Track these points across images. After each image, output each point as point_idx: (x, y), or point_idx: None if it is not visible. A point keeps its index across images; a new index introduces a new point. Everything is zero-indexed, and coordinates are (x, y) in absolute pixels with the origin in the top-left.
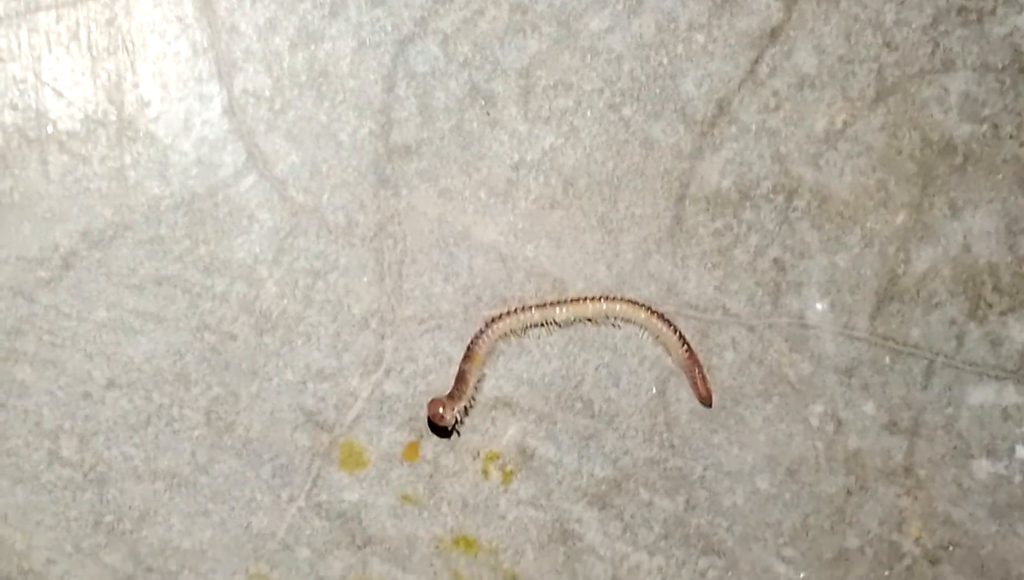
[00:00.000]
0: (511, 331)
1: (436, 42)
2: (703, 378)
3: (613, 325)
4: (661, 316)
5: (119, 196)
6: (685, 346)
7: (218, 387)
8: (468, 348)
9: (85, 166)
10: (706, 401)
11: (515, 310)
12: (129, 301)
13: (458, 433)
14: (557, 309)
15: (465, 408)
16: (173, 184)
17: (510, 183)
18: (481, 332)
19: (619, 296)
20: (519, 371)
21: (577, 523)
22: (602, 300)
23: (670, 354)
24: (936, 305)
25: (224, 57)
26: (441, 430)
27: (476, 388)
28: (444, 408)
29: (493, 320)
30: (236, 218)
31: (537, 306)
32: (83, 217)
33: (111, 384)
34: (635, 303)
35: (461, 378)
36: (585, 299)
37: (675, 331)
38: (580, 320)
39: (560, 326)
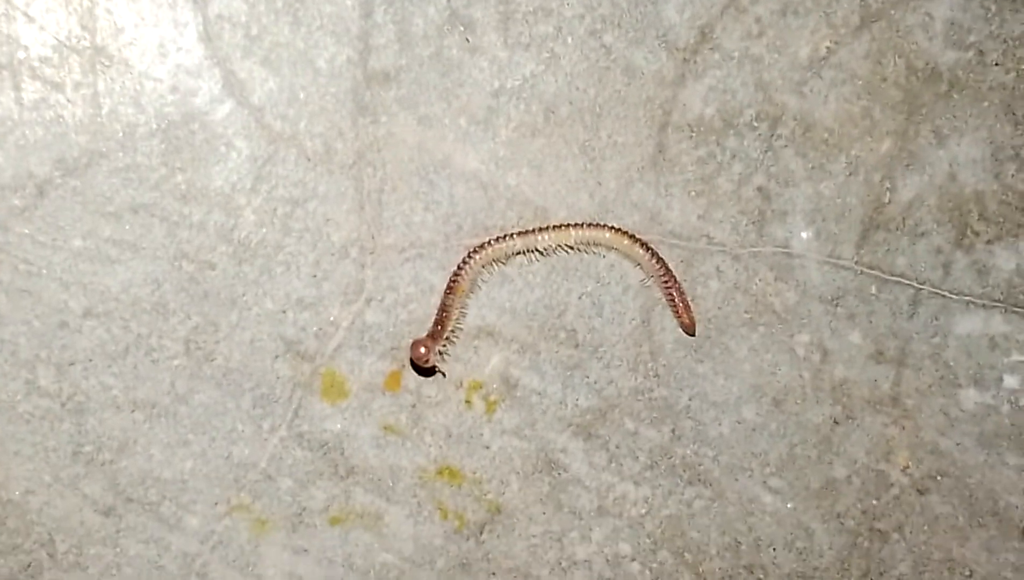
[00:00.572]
0: (493, 260)
1: None
2: (686, 306)
3: (596, 253)
4: (643, 243)
5: (93, 124)
6: (667, 274)
7: (197, 317)
8: (450, 281)
9: (58, 93)
10: (689, 330)
11: (495, 239)
12: (105, 230)
13: (442, 373)
14: (539, 236)
15: (446, 340)
16: (148, 111)
17: (490, 111)
18: (463, 264)
19: (602, 223)
20: (502, 300)
21: (562, 453)
22: (585, 227)
23: (653, 283)
24: (922, 234)
25: None
26: (425, 370)
27: (457, 320)
28: (427, 349)
29: (474, 251)
30: (213, 146)
31: (519, 233)
32: (57, 145)
33: (88, 313)
34: (618, 230)
35: (443, 313)
36: (568, 226)
37: (657, 259)
38: (563, 247)
39: (543, 254)
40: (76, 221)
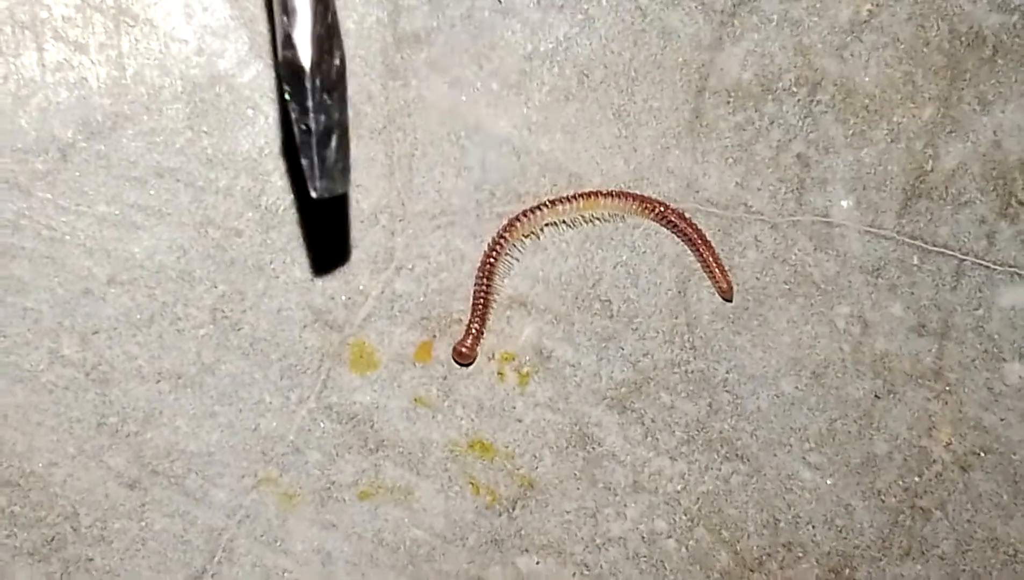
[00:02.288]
0: (524, 236)
1: None
2: (722, 271)
3: (630, 222)
4: (676, 210)
5: (117, 86)
6: (701, 239)
7: (223, 285)
8: (483, 268)
9: (82, 55)
10: (727, 295)
11: (523, 214)
12: (130, 195)
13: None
14: (568, 205)
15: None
16: (173, 73)
17: (523, 74)
18: (494, 250)
19: (632, 192)
20: (535, 270)
21: (596, 427)
22: (614, 196)
23: (689, 248)
24: (965, 203)
25: None
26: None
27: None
28: (468, 350)
29: (503, 233)
30: (240, 109)
31: (549, 204)
32: (80, 108)
33: (112, 281)
34: (649, 199)
35: (479, 306)
36: (597, 195)
37: (690, 224)
38: (594, 217)
39: (573, 225)
40: (100, 186)
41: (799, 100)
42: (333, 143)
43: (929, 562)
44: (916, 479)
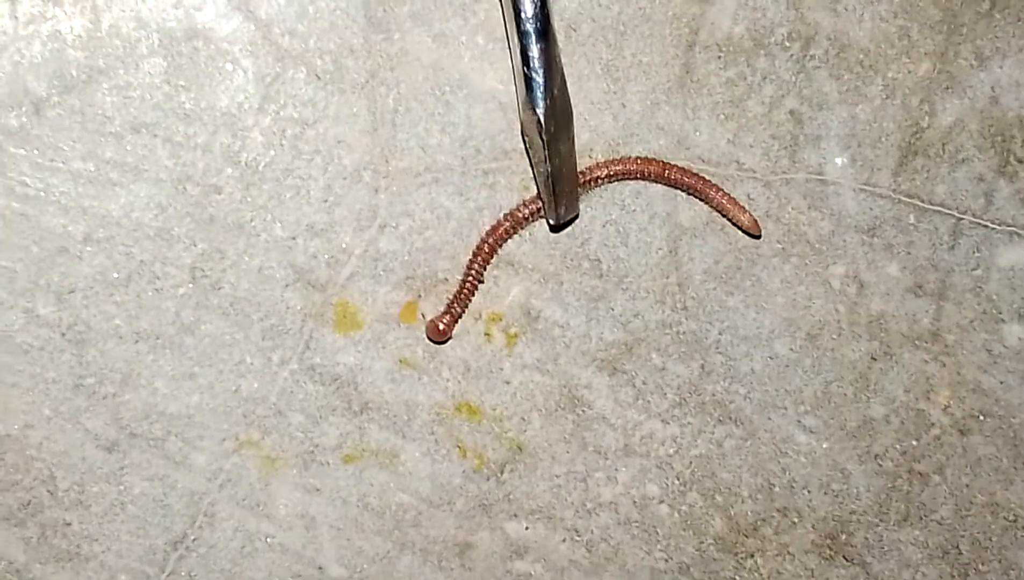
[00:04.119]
0: (519, 229)
1: None
2: (739, 207)
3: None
4: (677, 167)
5: (93, 39)
6: (707, 185)
7: (203, 243)
8: (480, 251)
9: (56, 7)
10: (754, 230)
11: (516, 210)
12: (106, 151)
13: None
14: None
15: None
16: (150, 27)
17: None
18: (487, 239)
19: (629, 158)
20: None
21: (586, 389)
22: (614, 163)
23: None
24: (963, 160)
25: None
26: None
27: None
28: (445, 325)
29: (496, 229)
30: (218, 64)
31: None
32: (55, 61)
33: (88, 239)
34: (648, 160)
35: (463, 292)
36: (599, 168)
37: (693, 175)
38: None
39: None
40: (75, 142)
41: (792, 55)
42: (564, 178)
43: (927, 527)
44: (914, 443)
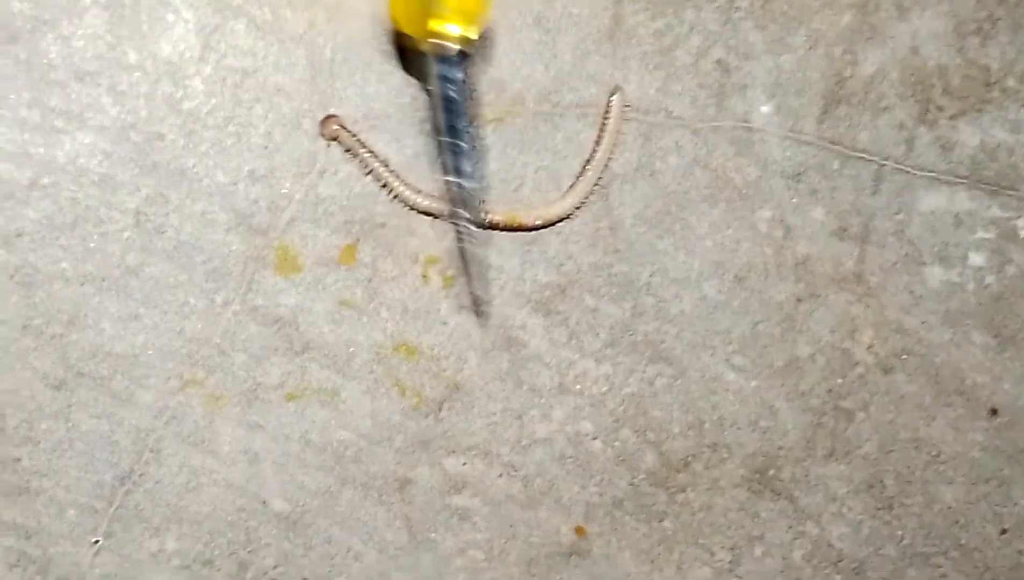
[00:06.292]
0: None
1: None
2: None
3: (555, 127)
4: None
5: None
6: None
7: (146, 188)
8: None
9: None
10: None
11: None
12: (51, 99)
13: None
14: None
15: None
16: None
17: None
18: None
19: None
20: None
21: (521, 330)
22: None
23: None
24: (884, 108)
25: None
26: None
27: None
28: (338, 127)
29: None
30: (160, 14)
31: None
32: (0, 12)
33: (34, 185)
34: None
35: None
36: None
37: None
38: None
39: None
40: (21, 90)
41: (718, 6)
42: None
43: (852, 462)
44: (839, 381)
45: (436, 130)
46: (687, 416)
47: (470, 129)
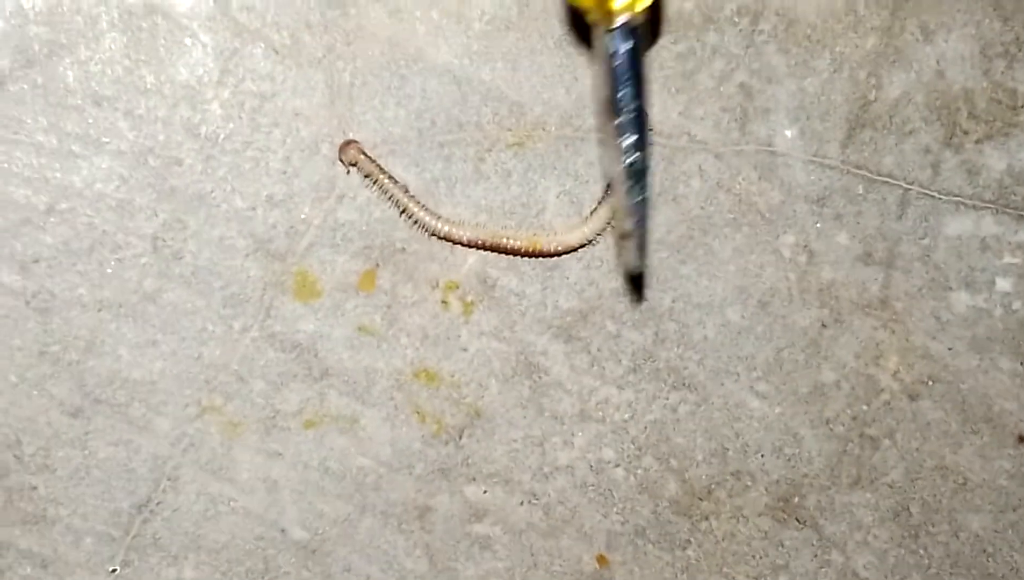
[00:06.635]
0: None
1: None
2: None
3: (574, 152)
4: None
5: (54, 14)
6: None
7: (164, 214)
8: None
9: None
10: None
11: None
12: (68, 124)
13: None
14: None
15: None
16: (110, 2)
17: (462, 3)
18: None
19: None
20: (477, 197)
21: (542, 356)
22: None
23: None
24: (910, 132)
25: None
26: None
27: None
28: (356, 152)
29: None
30: (177, 38)
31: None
32: (16, 35)
33: (51, 210)
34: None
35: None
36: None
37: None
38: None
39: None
40: (38, 115)
41: (741, 29)
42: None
43: (878, 490)
44: (864, 408)
45: (607, 106)
46: (710, 443)
47: (639, 101)
